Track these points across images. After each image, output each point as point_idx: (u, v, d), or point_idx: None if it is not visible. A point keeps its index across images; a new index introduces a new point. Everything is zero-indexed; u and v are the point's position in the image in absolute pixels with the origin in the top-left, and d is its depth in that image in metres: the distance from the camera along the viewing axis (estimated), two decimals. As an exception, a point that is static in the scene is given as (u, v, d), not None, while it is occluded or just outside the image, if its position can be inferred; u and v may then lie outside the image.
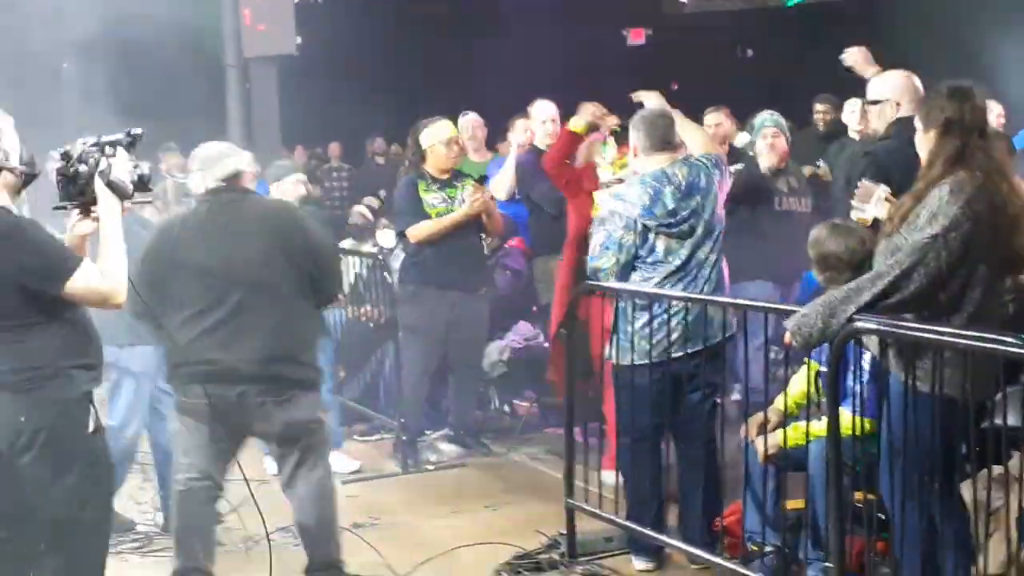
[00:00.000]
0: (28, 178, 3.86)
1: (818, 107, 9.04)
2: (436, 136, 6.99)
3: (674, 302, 5.12)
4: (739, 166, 7.09)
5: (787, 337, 4.18)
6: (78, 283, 3.72)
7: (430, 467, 7.06)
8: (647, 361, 5.14)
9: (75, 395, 3.83)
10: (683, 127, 5.51)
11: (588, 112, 6.38)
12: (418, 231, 6.96)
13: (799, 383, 5.05)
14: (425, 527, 5.89)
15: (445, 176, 7.02)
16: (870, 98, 5.32)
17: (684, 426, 5.29)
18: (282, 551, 5.69)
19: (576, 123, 6.39)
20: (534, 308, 7.87)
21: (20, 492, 3.83)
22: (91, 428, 3.86)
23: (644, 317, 5.14)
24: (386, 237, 8.14)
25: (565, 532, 5.49)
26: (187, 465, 4.89)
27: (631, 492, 5.32)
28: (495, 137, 9.33)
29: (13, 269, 3.68)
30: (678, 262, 5.17)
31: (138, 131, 3.93)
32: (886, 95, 5.18)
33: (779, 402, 4.99)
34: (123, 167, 3.85)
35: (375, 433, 7.87)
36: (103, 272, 3.76)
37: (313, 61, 12.84)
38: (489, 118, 8.77)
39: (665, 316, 5.13)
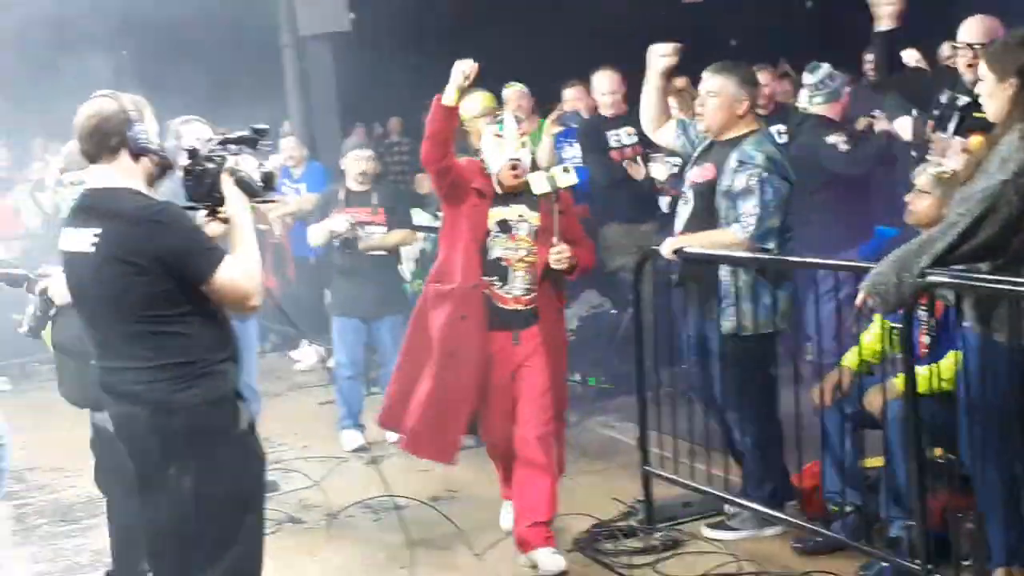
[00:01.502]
0: (164, 168, 3.69)
1: (868, 57, 8.87)
2: (467, 111, 6.47)
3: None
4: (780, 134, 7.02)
5: (859, 298, 4.12)
6: (224, 277, 3.49)
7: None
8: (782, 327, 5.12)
9: (228, 391, 3.61)
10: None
11: (460, 74, 4.92)
12: None
13: (871, 340, 4.97)
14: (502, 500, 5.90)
15: None
16: (981, 40, 5.19)
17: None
18: (362, 526, 5.78)
19: (448, 94, 4.93)
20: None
21: (177, 502, 3.56)
22: (243, 425, 3.64)
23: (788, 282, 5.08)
24: None
25: (642, 499, 5.49)
26: None
27: (777, 470, 5.18)
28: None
29: (166, 254, 3.45)
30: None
31: (263, 127, 3.74)
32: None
33: (847, 359, 4.92)
34: (251, 164, 3.67)
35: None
36: (242, 269, 3.54)
37: (367, 36, 12.84)
38: (545, 85, 8.71)
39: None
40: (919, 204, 4.75)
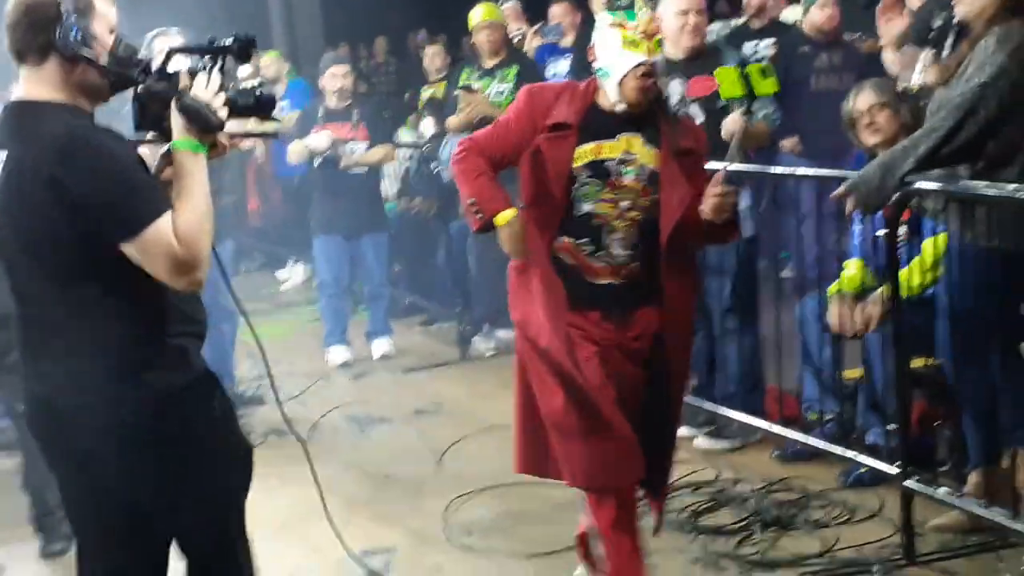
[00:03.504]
0: (120, 81, 2.72)
1: None
2: (471, 20, 6.94)
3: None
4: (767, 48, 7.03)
5: (839, 191, 4.07)
6: (154, 236, 2.54)
7: (490, 353, 7.10)
8: None
9: (196, 374, 2.78)
10: None
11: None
12: (453, 121, 6.89)
13: (851, 272, 4.86)
14: (487, 410, 5.92)
15: (491, 63, 6.89)
16: None
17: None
18: (347, 439, 5.83)
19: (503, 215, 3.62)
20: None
21: (136, 510, 2.77)
22: (218, 412, 2.84)
23: None
24: (427, 125, 8.00)
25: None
26: None
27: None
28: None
29: (81, 192, 2.54)
30: None
31: (250, 36, 2.79)
32: None
33: (832, 290, 4.83)
34: (210, 86, 2.67)
35: (433, 323, 7.95)
36: (177, 232, 2.57)
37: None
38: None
39: None
40: (881, 118, 4.60)
